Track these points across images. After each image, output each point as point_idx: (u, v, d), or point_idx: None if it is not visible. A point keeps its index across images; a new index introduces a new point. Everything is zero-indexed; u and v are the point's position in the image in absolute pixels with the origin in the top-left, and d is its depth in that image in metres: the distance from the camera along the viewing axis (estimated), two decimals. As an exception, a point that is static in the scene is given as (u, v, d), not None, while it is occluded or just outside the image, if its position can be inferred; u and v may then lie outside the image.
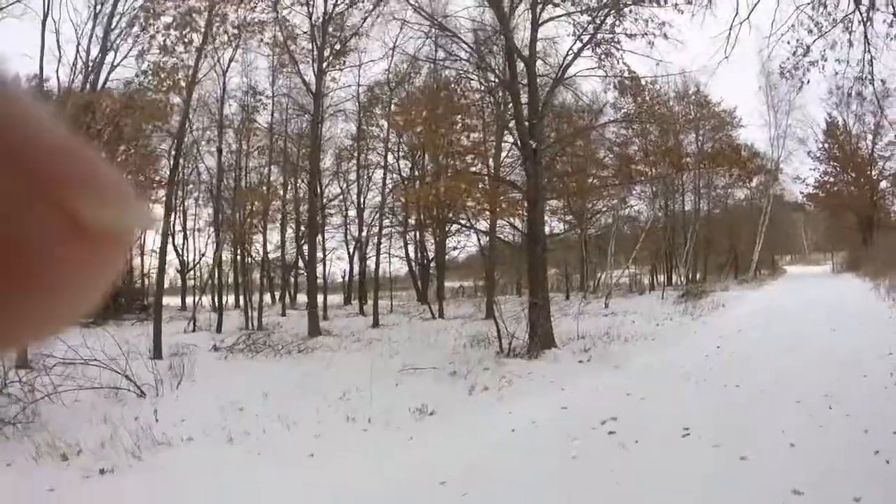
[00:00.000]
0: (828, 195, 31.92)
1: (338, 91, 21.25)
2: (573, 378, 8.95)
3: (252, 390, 8.02)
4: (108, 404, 7.54)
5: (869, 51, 9.85)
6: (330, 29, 17.99)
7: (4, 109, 0.22)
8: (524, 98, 12.84)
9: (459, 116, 13.29)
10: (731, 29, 10.16)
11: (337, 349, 12.70)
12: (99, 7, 14.56)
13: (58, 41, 13.81)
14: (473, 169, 13.39)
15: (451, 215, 16.01)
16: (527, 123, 12.58)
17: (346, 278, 29.87)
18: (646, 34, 13.85)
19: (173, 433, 6.24)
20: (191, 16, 14.49)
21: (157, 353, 11.30)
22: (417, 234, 26.14)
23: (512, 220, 13.88)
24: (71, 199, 0.23)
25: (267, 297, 28.84)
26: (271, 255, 28.78)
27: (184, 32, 14.49)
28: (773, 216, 31.96)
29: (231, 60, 19.82)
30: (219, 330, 16.69)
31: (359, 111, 22.61)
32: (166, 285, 20.74)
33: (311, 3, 17.77)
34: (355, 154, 24.87)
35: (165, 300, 27.74)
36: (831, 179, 31.81)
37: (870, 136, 29.90)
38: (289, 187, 23.18)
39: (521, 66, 12.94)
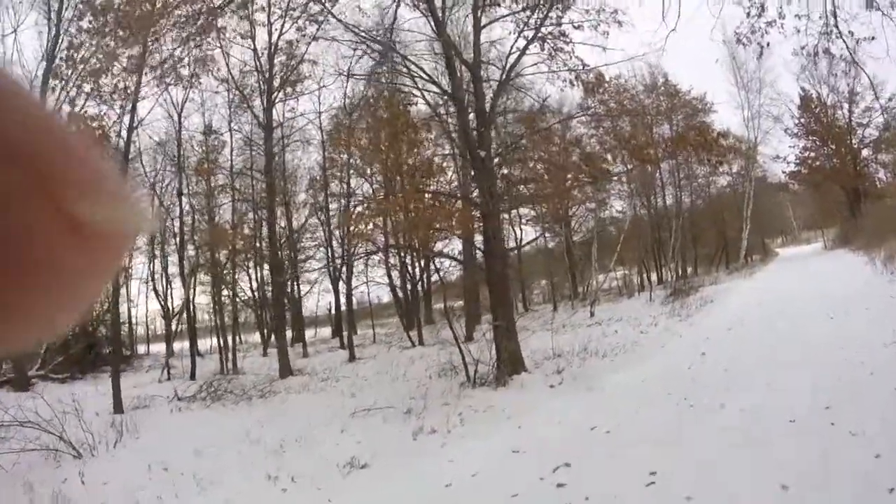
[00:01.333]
0: (810, 171, 30.47)
1: (298, 119, 20.35)
2: (536, 410, 7.94)
3: (189, 446, 7.51)
4: (47, 466, 7.18)
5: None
6: (280, 59, 17.14)
7: (3, 104, 0.22)
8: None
9: (405, 133, 12.16)
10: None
11: (300, 391, 12.00)
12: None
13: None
14: (425, 187, 12.24)
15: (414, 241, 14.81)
16: (474, 132, 11.53)
17: (332, 310, 28.67)
18: (598, 24, 12.96)
19: (90, 499, 5.94)
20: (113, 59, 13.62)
21: (117, 407, 10.62)
22: (399, 257, 24.90)
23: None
24: (68, 196, 0.23)
25: (257, 337, 28.06)
26: (257, 294, 28.17)
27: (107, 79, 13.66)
28: (758, 199, 30.74)
29: (184, 101, 18.99)
30: (192, 377, 15.69)
31: (321, 138, 21.51)
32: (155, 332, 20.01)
33: (253, 36, 16.94)
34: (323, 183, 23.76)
35: (153, 348, 26.57)
36: (812, 154, 30.43)
37: (846, 105, 28.79)
38: (263, 225, 22.13)
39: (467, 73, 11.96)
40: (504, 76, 11.95)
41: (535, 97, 12.56)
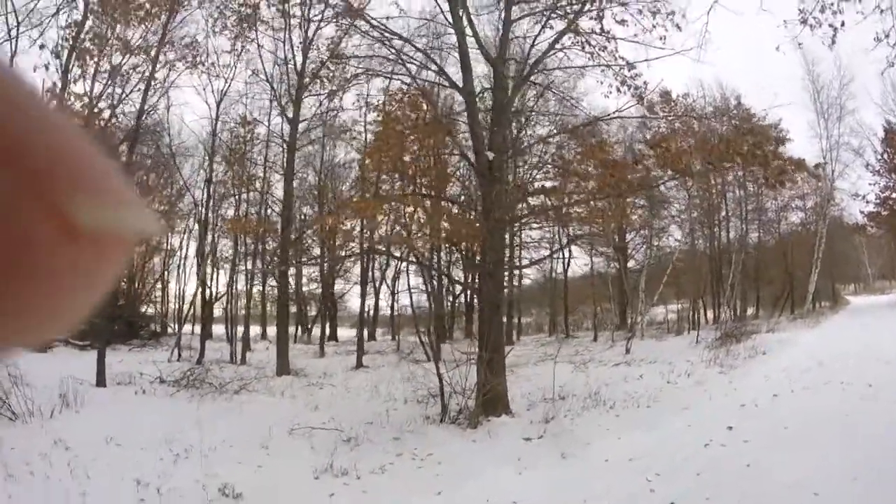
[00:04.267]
0: (891, 213, 26.26)
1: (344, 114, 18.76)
2: (483, 475, 6.12)
3: (108, 431, 6.95)
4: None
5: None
6: (313, 54, 15.66)
7: (2, 104, 0.21)
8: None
9: (410, 132, 10.23)
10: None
11: (275, 394, 11.32)
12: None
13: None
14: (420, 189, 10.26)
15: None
16: (486, 133, 9.50)
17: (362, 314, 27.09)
18: (654, 27, 10.76)
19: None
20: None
21: (100, 381, 10.42)
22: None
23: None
24: (65, 199, 0.21)
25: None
26: (304, 289, 27.02)
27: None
28: (831, 241, 27.01)
29: (224, 93, 17.80)
30: (199, 362, 15.15)
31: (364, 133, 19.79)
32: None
33: (288, 26, 15.54)
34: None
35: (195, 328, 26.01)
36: (893, 195, 26.25)
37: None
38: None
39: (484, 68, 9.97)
40: (527, 72, 9.83)
41: (564, 94, 10.31)
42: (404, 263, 20.25)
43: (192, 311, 20.25)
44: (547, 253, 21.40)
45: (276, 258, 17.44)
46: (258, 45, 16.36)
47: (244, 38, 16.09)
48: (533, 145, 10.32)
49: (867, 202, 26.55)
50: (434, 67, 10.15)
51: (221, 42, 16.38)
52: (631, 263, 24.65)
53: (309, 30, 15.41)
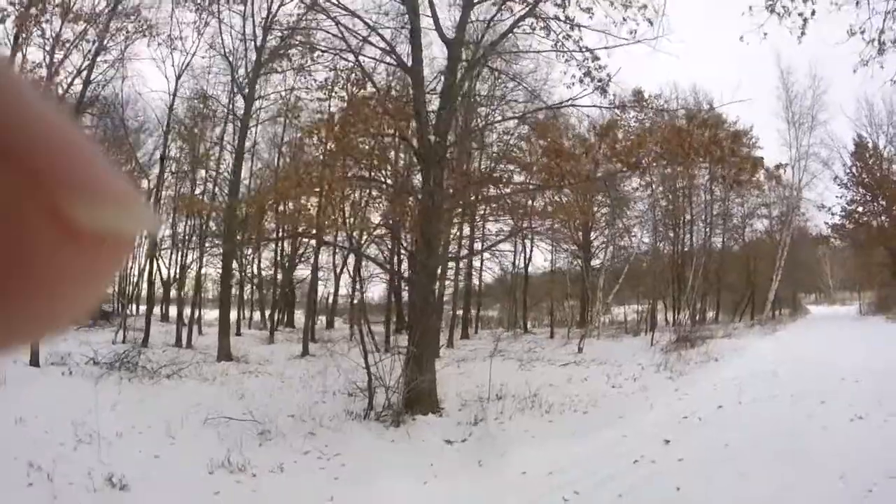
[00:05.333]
0: (856, 226, 26.03)
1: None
2: (383, 482, 5.60)
3: (22, 413, 6.58)
4: None
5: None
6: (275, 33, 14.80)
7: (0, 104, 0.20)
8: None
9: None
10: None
11: (207, 379, 10.91)
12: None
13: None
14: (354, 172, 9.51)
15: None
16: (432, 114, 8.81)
17: (331, 300, 26.28)
18: (625, 20, 10.19)
19: None
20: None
21: (34, 360, 9.96)
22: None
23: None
24: (65, 199, 0.20)
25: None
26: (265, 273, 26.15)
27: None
28: (795, 250, 26.74)
29: (184, 66, 16.82)
30: (144, 344, 14.86)
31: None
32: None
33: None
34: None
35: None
36: (859, 209, 26.04)
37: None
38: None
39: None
40: (480, 54, 9.15)
41: (520, 81, 9.64)
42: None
43: (136, 291, 19.34)
44: (494, 245, 20.51)
45: (215, 239, 16.65)
46: (219, 21, 15.56)
47: (207, 12, 15.27)
48: (481, 129, 9.58)
49: (833, 214, 26.40)
50: (383, 45, 9.41)
51: (185, 15, 15.56)
52: (596, 262, 24.18)
53: (273, 4, 14.65)
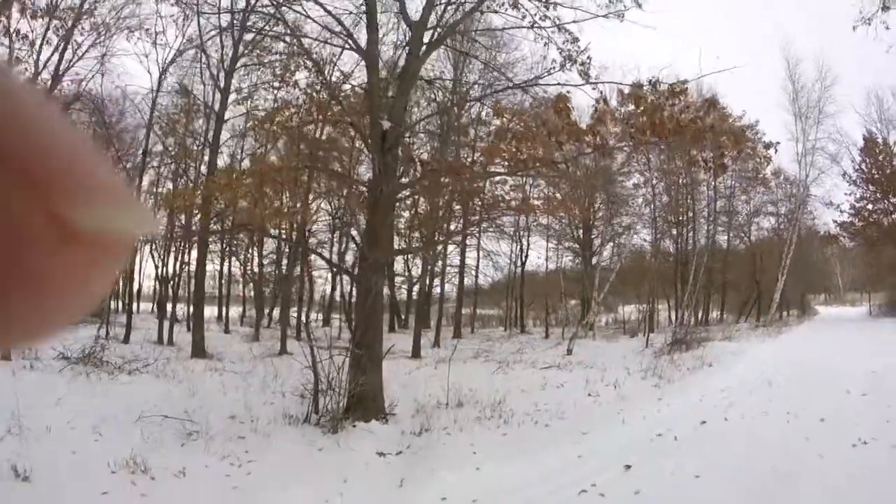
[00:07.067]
0: (865, 224, 24.58)
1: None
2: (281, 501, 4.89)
3: None
4: None
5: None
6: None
7: None
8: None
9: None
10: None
11: (167, 376, 10.40)
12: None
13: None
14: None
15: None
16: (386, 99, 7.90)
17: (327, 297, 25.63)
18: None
19: None
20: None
21: (5, 353, 9.51)
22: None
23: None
24: (63, 200, 0.20)
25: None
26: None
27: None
28: (804, 250, 25.40)
29: (168, 62, 16.08)
30: (126, 340, 15.01)
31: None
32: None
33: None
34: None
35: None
36: (869, 206, 24.57)
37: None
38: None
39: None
40: (440, 34, 8.21)
41: (487, 63, 8.68)
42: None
43: (127, 288, 18.89)
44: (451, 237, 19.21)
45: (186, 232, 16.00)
46: (198, 12, 14.77)
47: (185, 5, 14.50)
48: (431, 116, 8.65)
49: (841, 211, 24.99)
50: (339, 29, 8.53)
51: (166, 8, 14.82)
52: (603, 262, 23.07)
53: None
